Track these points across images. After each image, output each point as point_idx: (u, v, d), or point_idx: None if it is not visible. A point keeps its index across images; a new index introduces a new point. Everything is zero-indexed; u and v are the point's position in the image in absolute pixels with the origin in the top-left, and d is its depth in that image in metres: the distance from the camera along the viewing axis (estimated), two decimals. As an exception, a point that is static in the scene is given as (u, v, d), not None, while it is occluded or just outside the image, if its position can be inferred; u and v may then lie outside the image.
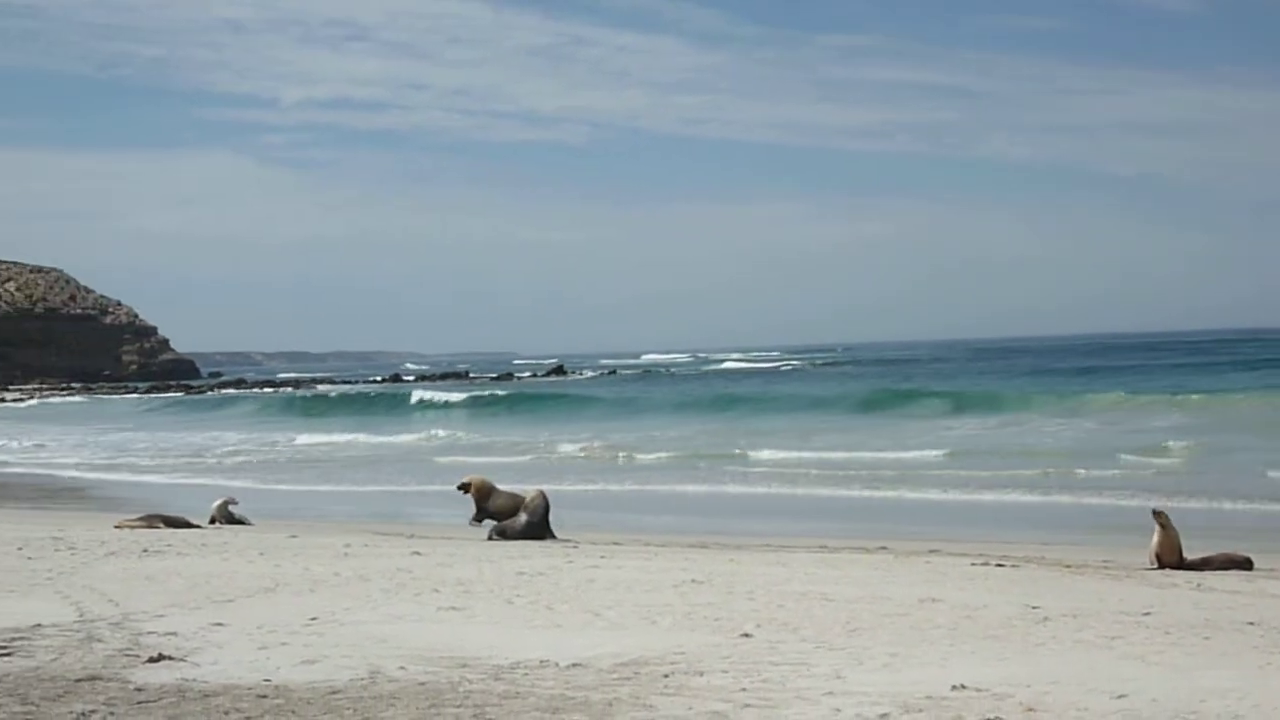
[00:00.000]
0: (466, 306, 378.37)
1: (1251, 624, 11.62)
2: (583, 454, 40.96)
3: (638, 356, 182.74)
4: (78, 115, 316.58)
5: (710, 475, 33.58)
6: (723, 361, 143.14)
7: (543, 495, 20.90)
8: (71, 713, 8.22)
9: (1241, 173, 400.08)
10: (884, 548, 18.81)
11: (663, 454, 39.50)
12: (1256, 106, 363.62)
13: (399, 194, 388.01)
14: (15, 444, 53.66)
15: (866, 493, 28.83)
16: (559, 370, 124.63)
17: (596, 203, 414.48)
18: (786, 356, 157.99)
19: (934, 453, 36.59)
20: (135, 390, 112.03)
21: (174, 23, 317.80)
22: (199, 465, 41.44)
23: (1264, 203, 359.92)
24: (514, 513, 21.77)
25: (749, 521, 24.81)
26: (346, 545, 18.41)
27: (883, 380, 79.32)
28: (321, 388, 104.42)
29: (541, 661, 9.75)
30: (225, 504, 23.54)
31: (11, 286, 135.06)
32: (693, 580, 14.41)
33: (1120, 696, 8.54)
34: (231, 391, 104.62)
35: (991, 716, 8.07)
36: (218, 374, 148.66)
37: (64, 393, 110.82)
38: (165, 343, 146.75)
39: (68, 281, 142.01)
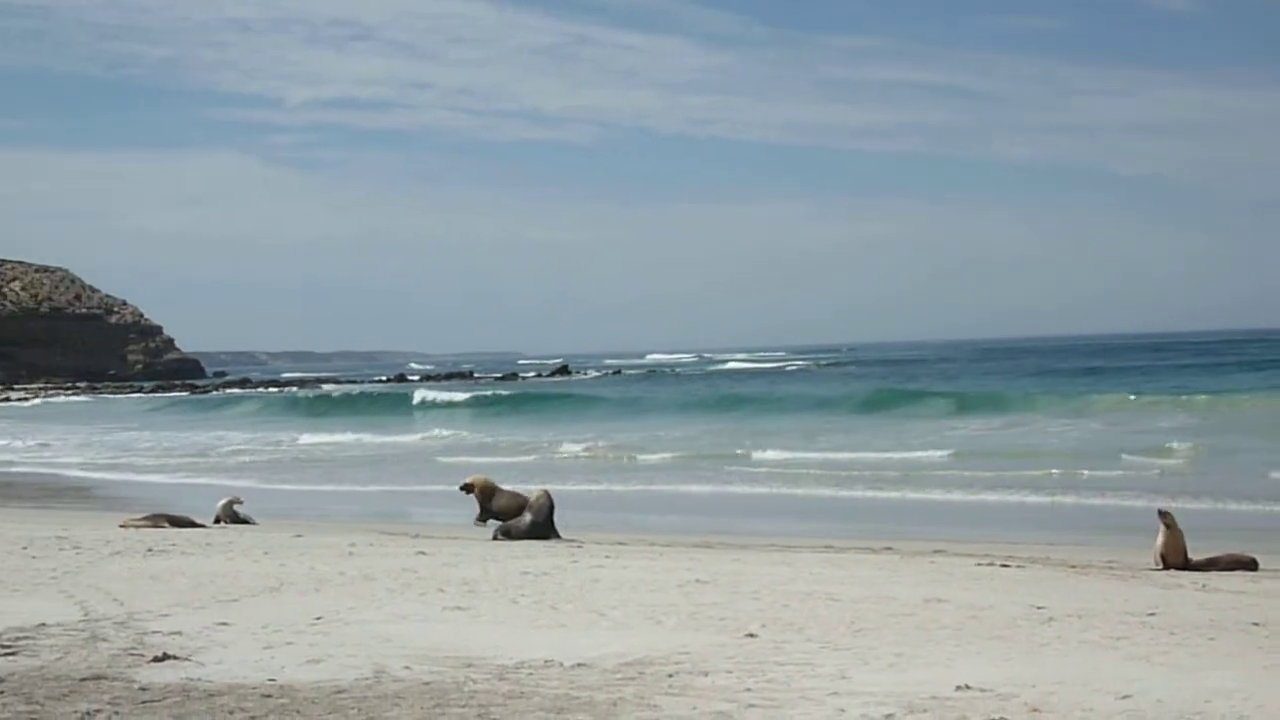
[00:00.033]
0: (472, 306, 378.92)
1: (1256, 625, 11.61)
2: (587, 454, 40.94)
3: (643, 357, 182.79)
4: (84, 115, 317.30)
5: (714, 475, 33.57)
6: (727, 362, 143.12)
7: (547, 495, 20.90)
8: (76, 712, 8.23)
9: (1243, 172, 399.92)
10: (889, 548, 18.79)
11: (667, 454, 39.48)
12: (1257, 106, 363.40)
13: (405, 194, 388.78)
14: (20, 443, 53.73)
15: (871, 493, 28.81)
16: (564, 370, 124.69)
17: (603, 203, 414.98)
18: (791, 357, 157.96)
19: (938, 453, 36.57)
20: (140, 390, 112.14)
21: (181, 23, 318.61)
22: (203, 465, 41.47)
23: (1267, 202, 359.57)
24: (518, 512, 21.77)
25: (754, 521, 24.81)
26: (351, 545, 18.42)
27: (887, 381, 79.30)
28: (326, 387, 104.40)
29: (546, 661, 9.75)
30: (230, 503, 23.54)
31: (17, 286, 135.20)
32: (697, 580, 14.40)
33: (1125, 697, 8.53)
34: (236, 391, 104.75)
35: (996, 717, 8.06)
36: (223, 374, 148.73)
37: (68, 392, 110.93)
38: (170, 342, 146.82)
39: (73, 281, 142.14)
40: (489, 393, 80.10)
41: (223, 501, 23.67)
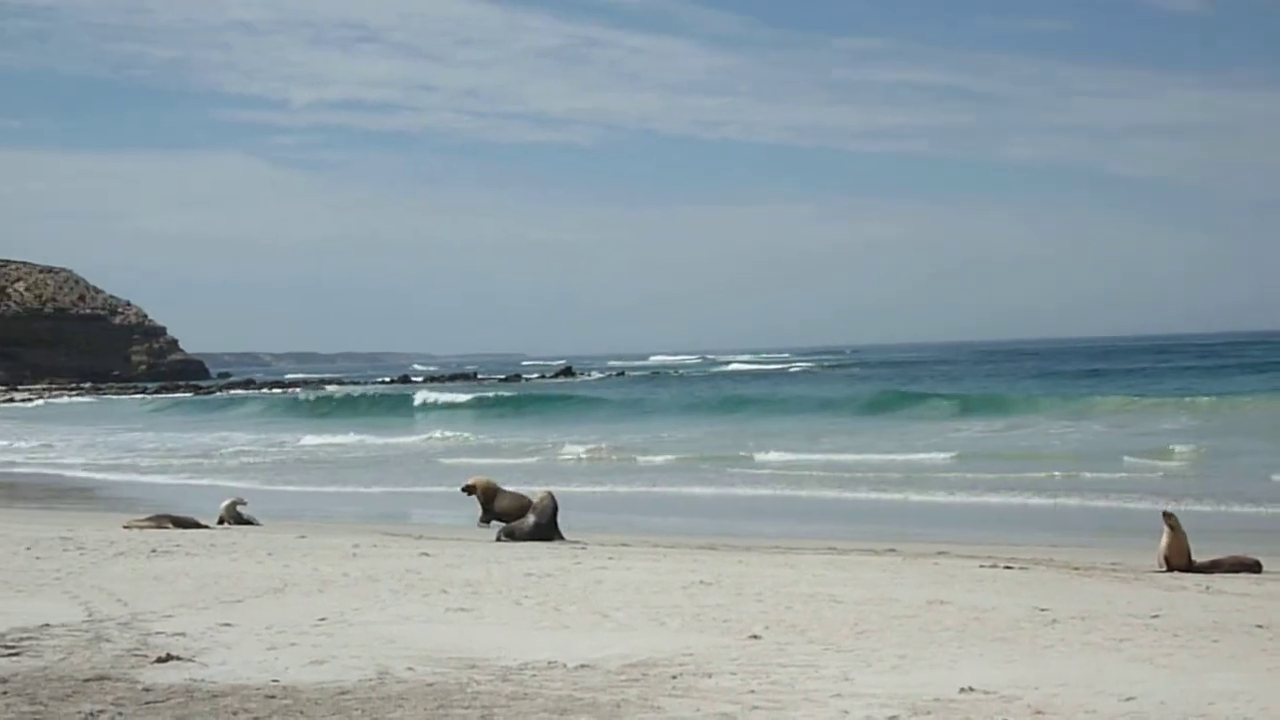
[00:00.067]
0: (476, 307, 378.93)
1: (1260, 627, 11.61)
2: (589, 456, 40.93)
3: (646, 358, 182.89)
4: (89, 116, 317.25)
5: (718, 477, 33.56)
6: (730, 363, 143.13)
7: (551, 497, 20.91)
8: (80, 713, 8.23)
9: (1244, 172, 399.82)
10: (892, 550, 18.78)
11: (670, 456, 39.45)
12: (1257, 106, 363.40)
13: (409, 195, 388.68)
14: (23, 444, 53.75)
15: (874, 495, 28.79)
16: (567, 372, 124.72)
17: (607, 204, 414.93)
18: (795, 358, 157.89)
19: (942, 455, 36.54)
20: (143, 391, 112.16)
21: (185, 24, 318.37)
22: (206, 466, 41.47)
23: (1271, 202, 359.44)
24: (520, 513, 21.79)
25: (757, 523, 24.80)
26: (355, 546, 18.43)
27: (890, 382, 79.27)
28: (330, 388, 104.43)
29: (549, 663, 9.76)
30: (234, 504, 23.56)
31: (21, 286, 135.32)
32: (701, 582, 14.41)
33: (1128, 699, 8.53)
34: (240, 392, 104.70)
35: (999, 719, 8.07)
36: (226, 374, 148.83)
37: (72, 393, 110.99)
38: (174, 343, 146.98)
39: (77, 282, 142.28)
40: (491, 394, 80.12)
41: (226, 502, 23.68)
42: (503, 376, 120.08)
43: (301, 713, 8.30)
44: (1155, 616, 12.12)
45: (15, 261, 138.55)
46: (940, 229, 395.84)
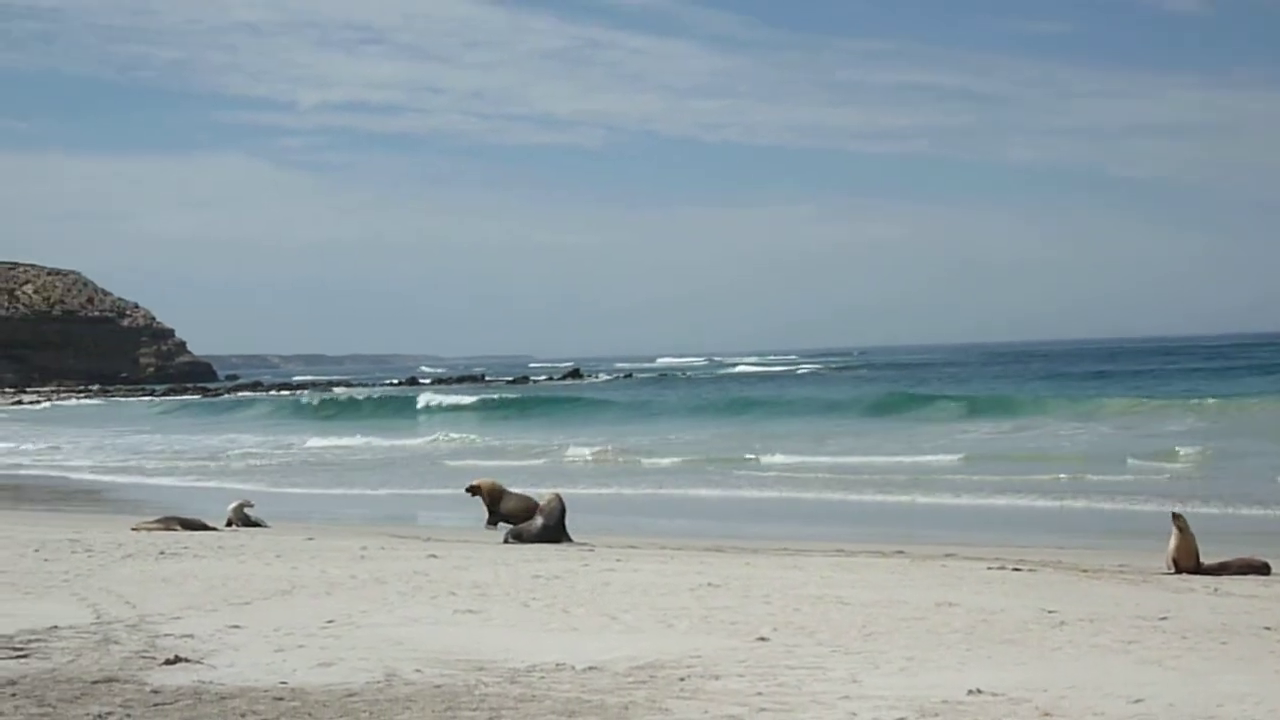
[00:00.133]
0: (482, 309, 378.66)
1: (1268, 629, 11.60)
2: (594, 458, 40.92)
3: (653, 360, 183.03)
4: (94, 118, 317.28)
5: (724, 479, 33.56)
6: (737, 365, 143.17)
7: (559, 498, 20.92)
8: (88, 714, 8.25)
9: (1247, 172, 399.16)
10: (900, 552, 18.77)
11: (677, 458, 39.43)
12: (1257, 105, 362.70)
13: (415, 197, 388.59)
14: (30, 446, 53.83)
15: (880, 497, 28.77)
16: (575, 374, 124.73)
17: (612, 206, 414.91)
18: (801, 360, 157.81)
19: (949, 457, 36.47)
20: (151, 393, 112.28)
21: (191, 26, 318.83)
22: (213, 468, 41.50)
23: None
24: (526, 515, 21.81)
25: (764, 525, 24.80)
26: (363, 548, 18.44)
27: (897, 384, 79.23)
28: (338, 390, 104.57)
29: (557, 664, 9.76)
30: (241, 506, 23.58)
31: (29, 289, 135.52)
32: (709, 584, 14.41)
33: (1137, 701, 8.52)
34: (247, 394, 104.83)
35: (1008, 721, 8.07)
36: (234, 377, 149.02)
37: (80, 395, 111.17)
38: (182, 345, 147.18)
39: (85, 284, 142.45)
40: (498, 396, 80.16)
41: (234, 504, 23.71)
42: (510, 378, 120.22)
43: (309, 715, 8.31)
44: (1163, 619, 12.11)
45: (24, 264, 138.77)
46: (943, 230, 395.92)
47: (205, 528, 21.85)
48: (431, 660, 9.93)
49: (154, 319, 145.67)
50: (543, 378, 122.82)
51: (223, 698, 8.70)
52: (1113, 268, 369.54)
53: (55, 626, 11.22)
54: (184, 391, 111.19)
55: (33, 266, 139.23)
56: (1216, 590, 14.63)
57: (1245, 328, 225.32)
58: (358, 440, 51.82)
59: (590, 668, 9.67)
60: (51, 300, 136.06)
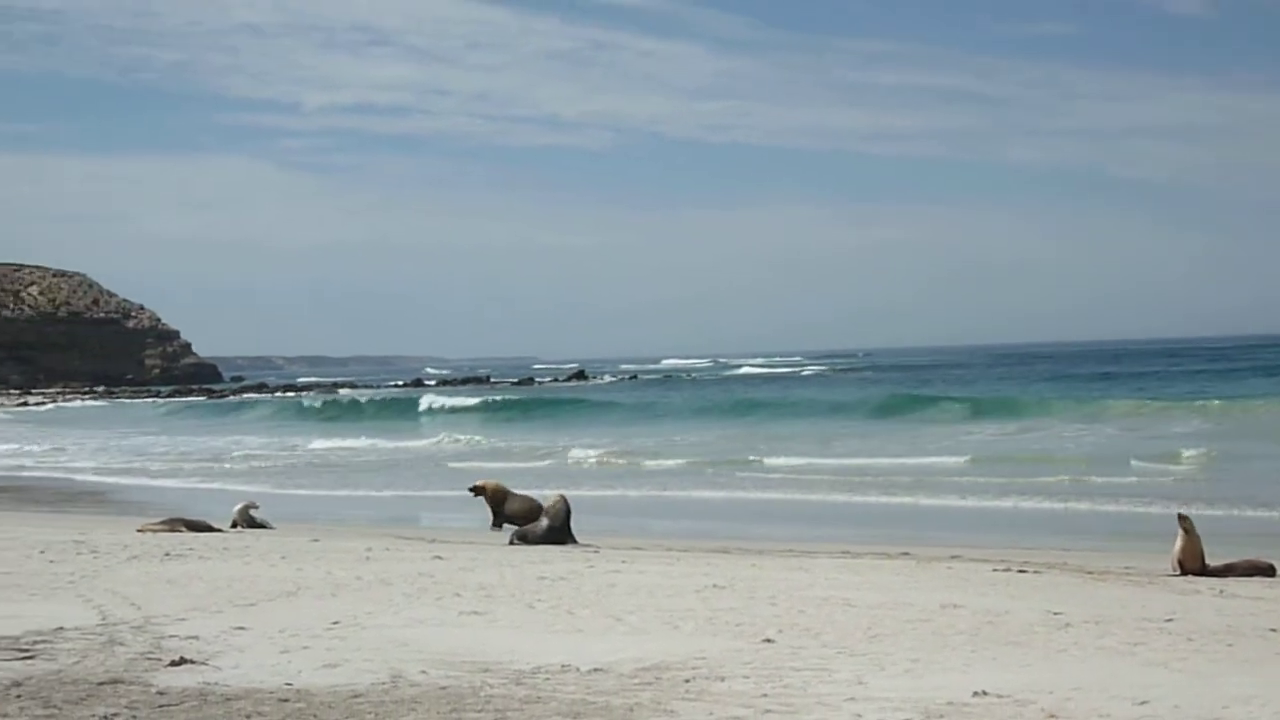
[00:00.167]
0: (487, 311, 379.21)
1: (1274, 631, 11.58)
2: (598, 460, 40.91)
3: (658, 362, 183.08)
4: (98, 120, 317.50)
5: (729, 480, 33.57)
6: (742, 366, 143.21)
7: (564, 500, 20.93)
8: (94, 716, 8.25)
9: (1251, 174, 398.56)
10: (906, 553, 18.77)
11: (681, 459, 39.45)
12: (1258, 107, 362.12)
13: (420, 199, 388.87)
14: (35, 447, 53.89)
15: (885, 499, 28.78)
16: (580, 375, 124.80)
17: (617, 207, 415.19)
18: (806, 362, 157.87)
19: (954, 458, 36.45)
20: (156, 394, 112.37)
21: (193, 27, 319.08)
22: (217, 470, 41.54)
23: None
24: (530, 516, 21.83)
25: (769, 527, 24.81)
26: (368, 549, 18.45)
27: (902, 386, 79.31)
28: (343, 392, 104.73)
29: (563, 666, 9.76)
30: (247, 508, 23.60)
31: (35, 290, 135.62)
32: (714, 585, 14.40)
33: (1142, 703, 8.52)
34: (252, 396, 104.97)
35: (1014, 723, 8.06)
36: (239, 378, 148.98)
37: (85, 396, 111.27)
38: (187, 347, 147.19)
39: (91, 285, 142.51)
40: (503, 398, 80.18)
41: (239, 506, 23.72)
42: (515, 380, 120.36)
43: (314, 716, 8.31)
44: (1169, 620, 12.10)
45: (29, 265, 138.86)
46: (948, 232, 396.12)
47: (210, 529, 21.86)
48: (437, 662, 9.93)
49: (159, 320, 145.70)
50: (547, 379, 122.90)
51: (228, 699, 8.70)
52: (1117, 269, 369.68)
53: (61, 628, 11.23)
54: (189, 393, 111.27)
55: (38, 268, 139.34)
56: (1222, 592, 14.61)
57: (1249, 329, 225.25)
58: (362, 442, 51.88)
59: (595, 669, 9.66)
60: (57, 302, 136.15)
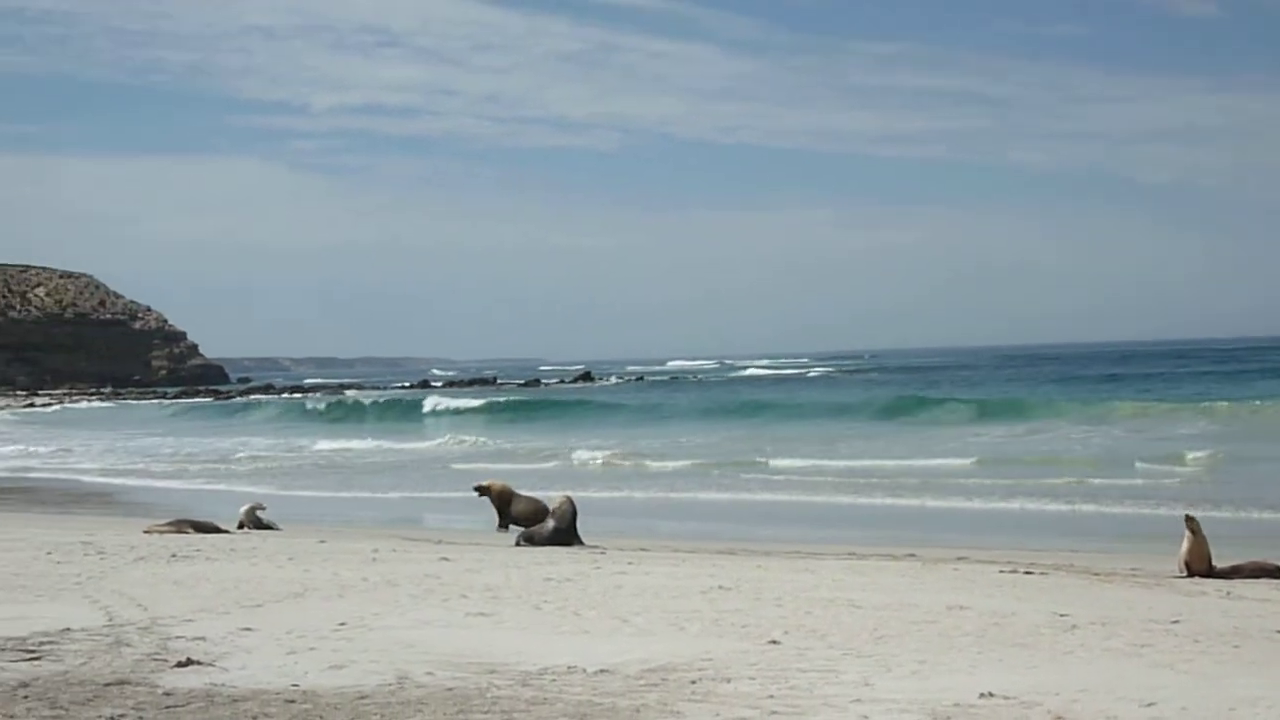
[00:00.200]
0: (495, 312, 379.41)
1: (1281, 633, 11.58)
2: (604, 462, 40.91)
3: (664, 363, 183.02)
4: (108, 122, 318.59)
5: (735, 482, 33.56)
6: (748, 368, 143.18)
7: (570, 501, 20.93)
8: (100, 717, 8.26)
9: (1260, 176, 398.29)
10: (912, 555, 18.76)
11: (686, 461, 39.44)
12: (1269, 109, 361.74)
13: (429, 200, 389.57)
14: (42, 449, 53.96)
15: (891, 500, 28.76)
16: (586, 377, 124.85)
17: (627, 209, 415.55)
18: (813, 363, 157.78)
19: (960, 460, 36.42)
20: (163, 395, 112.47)
21: (205, 29, 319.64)
22: (222, 471, 41.57)
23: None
24: (536, 518, 21.85)
25: (775, 528, 24.79)
26: (375, 550, 18.46)
27: (908, 387, 79.27)
28: (350, 393, 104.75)
29: (569, 667, 9.76)
30: (253, 509, 23.62)
31: (41, 291, 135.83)
32: (720, 586, 14.40)
33: (1149, 705, 8.51)
34: (259, 397, 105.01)
35: (1020, 725, 8.05)
36: (246, 379, 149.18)
37: (91, 397, 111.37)
38: (194, 348, 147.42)
39: (97, 287, 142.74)
40: (508, 399, 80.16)
41: (246, 507, 23.75)
42: (522, 381, 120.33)
43: (321, 717, 8.31)
44: (1176, 622, 12.09)
45: (36, 266, 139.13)
46: (954, 233, 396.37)
47: (217, 530, 21.88)
48: (443, 663, 9.93)
49: (166, 322, 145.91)
50: (554, 381, 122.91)
51: (235, 700, 8.71)
52: (1123, 270, 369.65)
53: (68, 629, 11.24)
54: (196, 394, 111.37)
55: (45, 269, 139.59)
56: (1229, 594, 14.60)
57: (1256, 331, 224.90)
58: (367, 443, 51.92)
59: (602, 670, 9.66)
60: (64, 303, 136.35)
